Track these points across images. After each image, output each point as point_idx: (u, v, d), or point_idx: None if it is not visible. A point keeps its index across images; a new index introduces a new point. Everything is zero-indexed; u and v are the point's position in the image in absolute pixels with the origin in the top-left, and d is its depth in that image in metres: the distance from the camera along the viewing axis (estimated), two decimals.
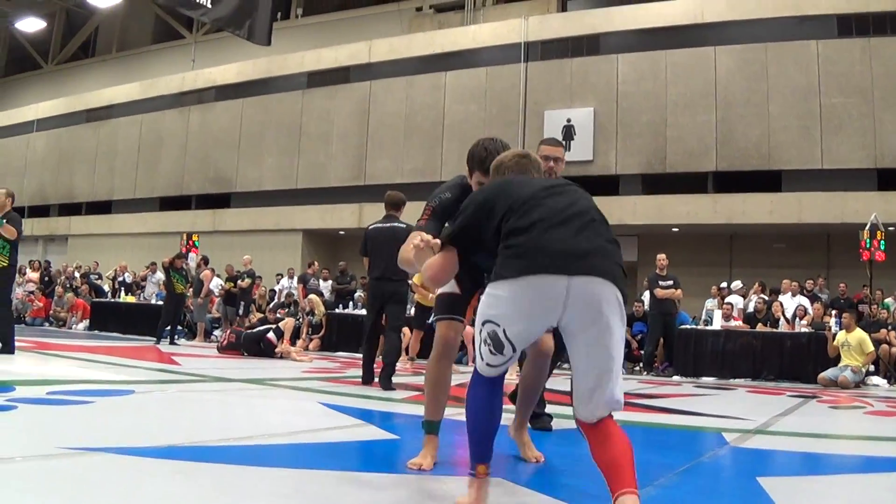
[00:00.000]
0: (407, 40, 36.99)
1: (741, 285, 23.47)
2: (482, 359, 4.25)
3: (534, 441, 6.21)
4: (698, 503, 4.89)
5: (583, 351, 4.06)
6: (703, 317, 22.07)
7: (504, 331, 4.12)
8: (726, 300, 22.27)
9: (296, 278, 28.38)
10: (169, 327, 21.88)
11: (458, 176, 5.83)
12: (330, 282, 27.43)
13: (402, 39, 37.19)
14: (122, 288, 31.57)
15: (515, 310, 4.09)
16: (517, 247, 4.12)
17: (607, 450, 4.07)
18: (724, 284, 24.08)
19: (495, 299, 4.14)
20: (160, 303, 27.39)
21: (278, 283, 29.09)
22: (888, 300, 21.92)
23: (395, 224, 12.02)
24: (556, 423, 8.20)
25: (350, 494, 4.57)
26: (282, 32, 36.00)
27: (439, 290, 5.71)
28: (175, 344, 21.15)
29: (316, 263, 28.63)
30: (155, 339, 21.64)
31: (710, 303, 22.57)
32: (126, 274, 33.13)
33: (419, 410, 8.67)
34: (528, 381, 6.16)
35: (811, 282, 23.45)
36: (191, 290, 23.74)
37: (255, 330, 19.00)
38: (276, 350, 18.09)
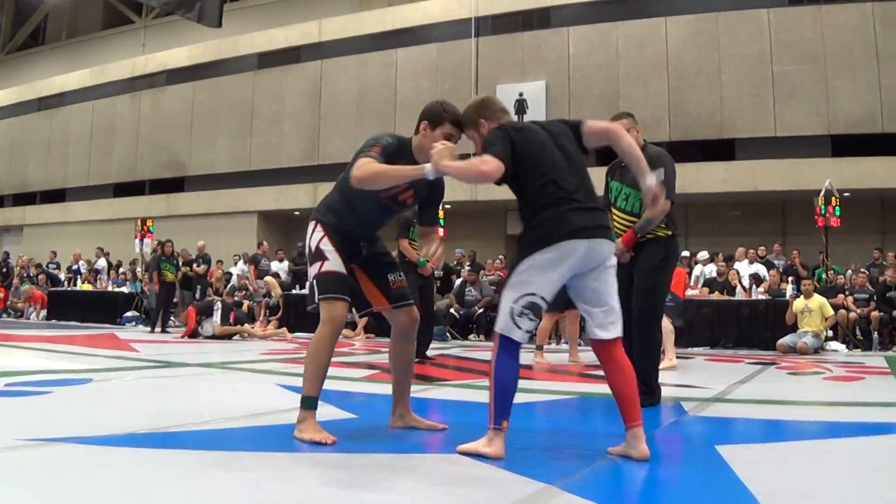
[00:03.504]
0: (357, 18, 36.91)
1: (707, 255, 23.47)
2: (520, 328, 5.17)
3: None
4: (657, 472, 4.88)
5: (591, 288, 5.30)
6: None
7: (542, 297, 5.15)
8: (694, 270, 22.49)
9: (240, 265, 28.27)
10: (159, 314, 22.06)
11: (388, 133, 5.97)
12: (286, 263, 27.34)
13: (353, 18, 37.10)
14: (77, 276, 31.50)
15: (554, 274, 5.14)
16: (556, 216, 5.17)
17: (621, 381, 5.32)
18: (685, 253, 24.14)
19: (534, 271, 5.14)
20: (118, 289, 27.42)
21: (235, 264, 28.96)
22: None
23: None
24: (515, 399, 8.21)
25: (310, 474, 4.55)
26: (232, 14, 35.81)
27: (325, 268, 5.81)
28: (166, 331, 21.24)
29: (265, 243, 28.54)
30: (150, 327, 22.15)
31: None
32: (80, 262, 33.00)
33: (377, 389, 8.68)
34: (402, 357, 6.33)
35: (763, 248, 23.51)
36: (148, 275, 23.69)
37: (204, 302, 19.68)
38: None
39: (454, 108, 5.90)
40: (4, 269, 33.12)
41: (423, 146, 5.75)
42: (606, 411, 7.54)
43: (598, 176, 6.58)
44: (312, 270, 5.86)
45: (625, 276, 7.38)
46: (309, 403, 5.73)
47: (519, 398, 7.76)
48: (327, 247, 5.84)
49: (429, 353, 13.97)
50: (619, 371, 5.33)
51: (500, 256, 25.25)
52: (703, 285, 21.23)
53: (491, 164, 5.21)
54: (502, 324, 5.19)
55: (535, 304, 5.15)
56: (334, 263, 5.81)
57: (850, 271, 21.56)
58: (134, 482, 4.19)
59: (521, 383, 9.35)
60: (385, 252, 6.28)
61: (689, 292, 20.73)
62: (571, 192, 5.29)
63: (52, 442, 5.19)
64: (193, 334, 19.16)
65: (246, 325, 19.98)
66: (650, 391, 7.72)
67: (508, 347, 5.22)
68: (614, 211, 8.19)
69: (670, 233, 8.11)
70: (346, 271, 5.88)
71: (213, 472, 4.53)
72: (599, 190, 5.90)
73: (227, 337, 19.11)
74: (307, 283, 5.98)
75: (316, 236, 5.90)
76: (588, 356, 12.85)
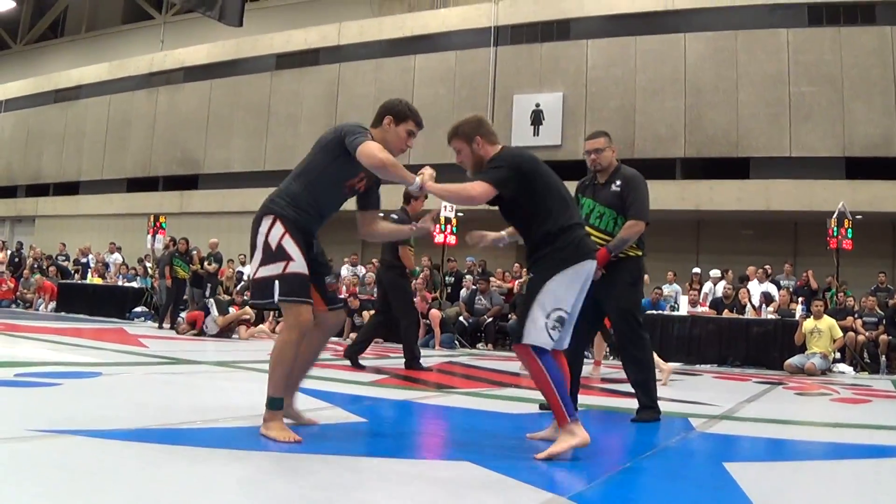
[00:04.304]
0: (377, 23, 36.93)
1: (719, 274, 23.47)
2: (552, 339, 5.63)
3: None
4: (665, 487, 4.90)
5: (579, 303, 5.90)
6: (662, 303, 21.91)
7: (568, 312, 5.74)
8: (704, 287, 22.55)
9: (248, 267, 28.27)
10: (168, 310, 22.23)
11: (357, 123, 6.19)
12: None
13: (372, 22, 37.13)
14: (87, 270, 31.54)
15: (575, 290, 5.80)
16: (577, 238, 5.88)
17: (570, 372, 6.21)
18: (696, 270, 24.16)
19: (562, 288, 5.73)
20: (128, 284, 27.48)
21: (242, 264, 28.99)
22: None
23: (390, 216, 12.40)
24: (523, 407, 8.22)
25: (318, 475, 4.57)
26: (252, 14, 35.77)
27: (291, 269, 5.78)
28: (175, 328, 21.37)
29: None
30: (158, 323, 22.31)
31: (668, 289, 22.57)
32: (90, 256, 33.05)
33: (387, 394, 8.68)
34: (316, 351, 6.43)
35: (769, 267, 23.46)
36: (159, 271, 23.74)
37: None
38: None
39: (415, 109, 6.38)
40: (17, 259, 33.21)
41: (386, 140, 6.09)
42: (616, 424, 7.57)
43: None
44: (274, 269, 5.80)
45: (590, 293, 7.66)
46: (276, 404, 5.76)
47: (526, 408, 7.82)
48: (290, 245, 5.83)
49: (435, 360, 14.02)
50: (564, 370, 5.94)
51: (516, 266, 25.07)
52: (710, 306, 21.20)
53: (479, 188, 5.80)
54: (536, 338, 5.60)
55: (563, 318, 5.70)
56: (299, 264, 5.81)
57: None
58: (141, 477, 4.21)
59: (532, 394, 9.47)
60: (323, 252, 6.39)
61: (699, 309, 20.79)
62: (578, 217, 6.20)
63: (62, 434, 5.20)
64: (200, 333, 19.25)
65: (247, 308, 20.14)
66: (653, 407, 7.83)
67: (543, 353, 5.63)
68: (587, 228, 8.16)
69: (641, 253, 8.22)
70: (308, 272, 5.91)
71: (221, 468, 4.56)
72: None
73: (230, 329, 19.27)
74: (256, 280, 5.92)
75: (276, 232, 5.89)
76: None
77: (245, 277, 26.33)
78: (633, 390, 8.03)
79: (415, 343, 13.07)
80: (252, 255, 6.02)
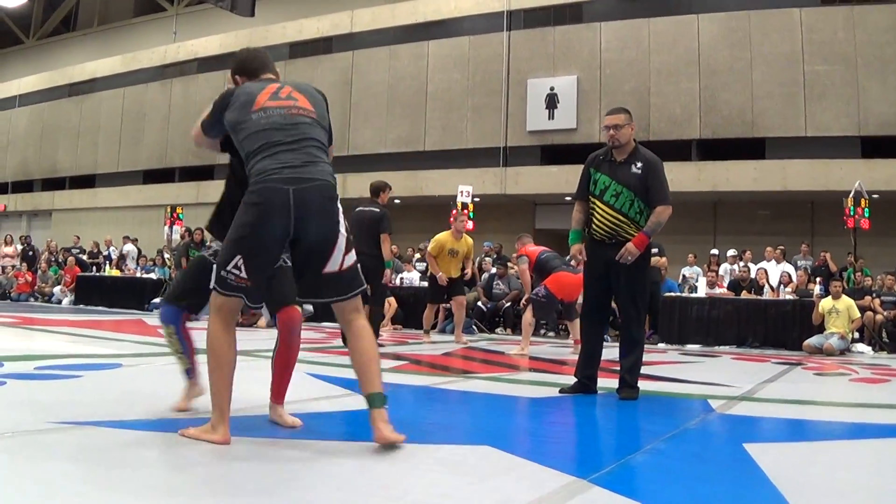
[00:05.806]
0: (389, 10, 36.83)
1: (736, 253, 23.42)
2: None
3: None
4: (686, 469, 4.90)
5: None
6: (672, 283, 21.84)
7: None
8: (720, 268, 22.50)
9: None
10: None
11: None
12: None
13: (385, 9, 37.02)
14: (108, 262, 31.60)
15: None
16: None
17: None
18: (714, 252, 24.12)
19: None
20: (147, 275, 27.55)
21: None
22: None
23: (370, 208, 13.53)
24: (543, 391, 8.24)
25: (342, 463, 4.59)
26: (264, 3, 35.90)
27: None
28: (196, 318, 21.39)
29: None
30: None
31: (688, 271, 22.57)
32: (111, 248, 33.13)
33: (406, 380, 8.69)
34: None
35: (782, 248, 23.34)
36: (175, 262, 23.79)
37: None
38: None
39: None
40: (31, 253, 33.23)
41: None
42: (634, 407, 7.58)
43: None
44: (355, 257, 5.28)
45: (603, 274, 8.07)
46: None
47: (546, 392, 7.85)
48: None
49: (454, 346, 14.06)
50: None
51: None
52: (728, 287, 21.16)
53: None
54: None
55: None
56: None
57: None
58: (162, 466, 4.26)
59: (550, 377, 9.47)
60: None
61: (717, 291, 20.75)
62: None
63: (83, 425, 5.23)
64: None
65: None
66: (635, 387, 8.03)
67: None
68: (599, 204, 8.11)
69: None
70: None
71: (244, 457, 4.60)
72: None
73: (255, 316, 19.38)
74: (351, 268, 5.26)
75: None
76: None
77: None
78: (650, 373, 8.09)
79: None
80: (338, 241, 5.21)
